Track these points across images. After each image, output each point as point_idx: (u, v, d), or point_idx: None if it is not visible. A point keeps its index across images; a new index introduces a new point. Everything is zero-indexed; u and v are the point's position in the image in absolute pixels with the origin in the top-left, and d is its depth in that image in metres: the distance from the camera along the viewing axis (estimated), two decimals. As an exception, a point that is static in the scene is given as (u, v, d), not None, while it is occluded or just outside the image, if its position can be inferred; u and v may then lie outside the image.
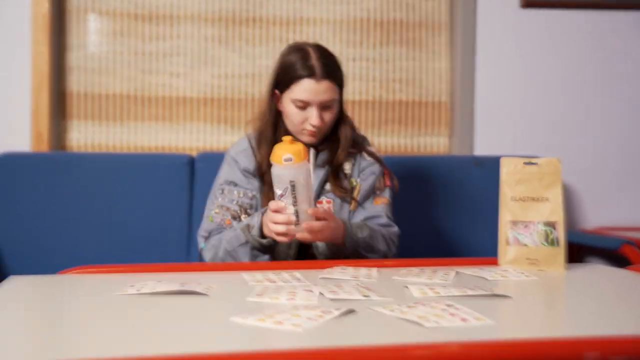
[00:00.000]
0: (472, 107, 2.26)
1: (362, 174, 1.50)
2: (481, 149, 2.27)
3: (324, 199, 1.47)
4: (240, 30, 2.20)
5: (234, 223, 1.44)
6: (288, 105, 1.44)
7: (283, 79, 1.44)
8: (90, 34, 2.15)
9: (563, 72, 2.31)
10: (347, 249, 1.36)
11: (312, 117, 1.41)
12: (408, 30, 2.27)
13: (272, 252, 1.38)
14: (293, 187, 1.21)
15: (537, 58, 2.30)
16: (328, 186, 1.48)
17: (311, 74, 1.39)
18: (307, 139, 1.45)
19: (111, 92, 2.16)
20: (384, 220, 1.47)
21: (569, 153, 2.29)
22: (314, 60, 1.41)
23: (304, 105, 1.41)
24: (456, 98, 2.26)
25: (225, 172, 1.50)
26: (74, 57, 2.14)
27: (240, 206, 1.46)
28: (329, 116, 1.44)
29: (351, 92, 2.23)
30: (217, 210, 1.46)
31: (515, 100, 2.29)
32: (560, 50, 2.30)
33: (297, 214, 1.22)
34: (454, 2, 2.27)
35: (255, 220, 1.36)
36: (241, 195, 1.46)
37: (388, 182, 1.53)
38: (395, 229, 1.48)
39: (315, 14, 2.23)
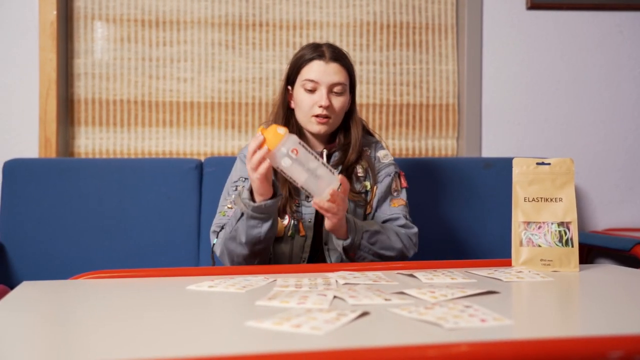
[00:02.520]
0: (479, 109, 2.26)
1: (377, 176, 1.50)
2: (489, 151, 2.26)
3: None
4: (247, 35, 2.20)
5: None
6: (298, 92, 1.45)
7: (293, 70, 1.47)
8: (97, 41, 2.15)
9: (569, 73, 2.30)
10: (353, 242, 1.33)
11: (321, 98, 1.41)
12: (415, 33, 2.26)
13: (270, 219, 1.29)
14: (282, 171, 1.20)
15: (544, 59, 2.29)
16: None
17: (320, 56, 1.43)
18: (316, 127, 1.44)
19: (118, 97, 2.16)
20: (402, 221, 1.47)
21: (577, 154, 2.29)
22: (324, 47, 1.46)
23: (313, 87, 1.42)
24: (463, 100, 2.26)
25: (239, 170, 1.49)
26: (81, 64, 2.15)
27: None
28: (338, 103, 1.44)
29: (359, 95, 2.23)
30: (229, 206, 1.44)
31: (522, 101, 2.29)
32: (567, 52, 2.30)
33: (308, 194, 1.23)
34: (460, 5, 2.27)
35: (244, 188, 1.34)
36: None
37: (404, 184, 1.53)
38: (415, 229, 1.47)
39: (322, 17, 2.23)
